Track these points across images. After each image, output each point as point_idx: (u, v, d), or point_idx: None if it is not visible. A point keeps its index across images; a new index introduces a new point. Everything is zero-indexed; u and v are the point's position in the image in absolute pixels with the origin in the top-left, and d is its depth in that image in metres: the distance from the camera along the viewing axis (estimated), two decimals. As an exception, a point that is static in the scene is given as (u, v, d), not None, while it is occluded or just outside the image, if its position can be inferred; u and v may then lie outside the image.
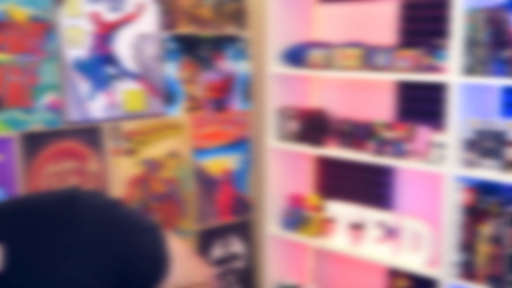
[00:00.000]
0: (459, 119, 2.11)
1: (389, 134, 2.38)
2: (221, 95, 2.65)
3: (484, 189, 2.12)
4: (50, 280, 0.87)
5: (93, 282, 0.89)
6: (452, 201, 2.15)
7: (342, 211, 2.60)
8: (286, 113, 2.69)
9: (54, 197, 0.91)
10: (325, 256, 2.86)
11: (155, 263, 0.97)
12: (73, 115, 2.14)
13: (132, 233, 0.94)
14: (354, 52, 2.45)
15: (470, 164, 2.12)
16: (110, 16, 2.22)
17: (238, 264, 2.81)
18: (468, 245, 2.15)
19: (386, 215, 2.50)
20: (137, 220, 0.97)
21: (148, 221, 1.00)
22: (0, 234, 0.85)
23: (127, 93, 2.30)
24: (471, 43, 2.05)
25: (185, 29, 2.50)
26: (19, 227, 0.87)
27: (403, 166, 2.36)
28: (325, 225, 2.65)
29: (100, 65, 2.21)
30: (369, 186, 2.67)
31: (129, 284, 0.94)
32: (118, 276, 0.92)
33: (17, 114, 1.98)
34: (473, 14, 2.04)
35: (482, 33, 2.02)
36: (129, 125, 2.32)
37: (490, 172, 2.06)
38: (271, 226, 2.77)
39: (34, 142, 2.03)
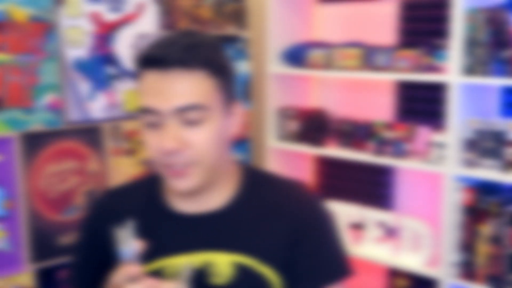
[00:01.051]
0: (459, 119, 2.11)
1: (389, 134, 2.38)
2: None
3: (484, 189, 2.12)
4: (259, 226, 1.09)
5: (278, 254, 1.07)
6: (452, 201, 2.15)
7: (342, 211, 2.60)
8: (286, 113, 2.69)
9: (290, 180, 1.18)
10: (325, 256, 2.85)
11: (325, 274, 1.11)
12: (73, 115, 2.14)
13: (325, 241, 1.12)
14: (354, 52, 2.45)
15: (470, 164, 2.12)
16: (110, 16, 2.22)
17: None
18: (468, 245, 2.15)
19: (386, 215, 2.50)
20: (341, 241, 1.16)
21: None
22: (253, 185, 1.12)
23: (127, 93, 2.30)
24: (471, 43, 2.05)
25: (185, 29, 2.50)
26: (263, 188, 1.13)
27: (403, 166, 2.36)
28: (325, 225, 2.65)
29: (100, 65, 2.21)
30: (369, 186, 2.67)
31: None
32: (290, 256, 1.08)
33: (17, 114, 1.98)
34: (473, 14, 2.04)
35: (482, 33, 2.02)
36: (129, 125, 2.32)
37: (490, 172, 2.06)
38: (271, 226, 2.77)
39: (34, 142, 2.03)
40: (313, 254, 1.09)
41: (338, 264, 1.12)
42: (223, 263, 1.05)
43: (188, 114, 0.96)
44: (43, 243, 2.06)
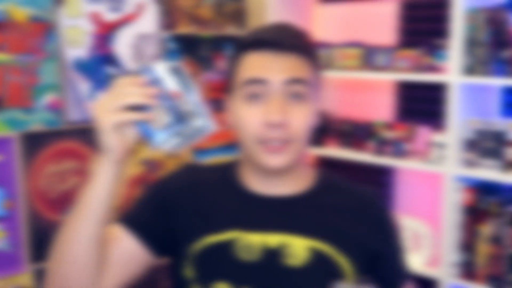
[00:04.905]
0: (459, 119, 2.11)
1: (389, 134, 2.38)
2: (221, 95, 2.65)
3: (484, 189, 2.12)
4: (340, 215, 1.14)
5: (355, 245, 1.12)
6: (452, 201, 2.15)
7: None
8: (286, 113, 2.68)
9: (360, 186, 1.23)
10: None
11: (400, 276, 1.22)
12: (73, 115, 2.14)
13: (396, 241, 1.21)
14: (354, 52, 2.45)
15: (470, 164, 2.12)
16: (110, 16, 2.22)
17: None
18: (468, 245, 2.15)
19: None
20: (400, 237, 1.24)
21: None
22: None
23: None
24: (471, 43, 2.05)
25: (185, 29, 2.50)
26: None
27: (403, 166, 2.36)
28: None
29: (100, 65, 2.21)
30: (369, 186, 2.67)
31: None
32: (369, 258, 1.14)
33: (17, 114, 1.98)
34: (473, 14, 2.04)
35: (482, 33, 2.02)
36: (129, 125, 2.32)
37: (490, 172, 2.06)
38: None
39: (34, 142, 2.03)
40: (389, 258, 1.19)
41: (405, 271, 1.23)
42: (299, 246, 1.08)
43: (294, 87, 1.04)
44: (43, 243, 2.06)
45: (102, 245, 1.01)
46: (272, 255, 1.08)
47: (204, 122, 0.96)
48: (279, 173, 1.10)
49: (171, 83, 0.94)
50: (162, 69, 0.94)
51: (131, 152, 0.99)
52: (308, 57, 1.08)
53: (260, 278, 1.07)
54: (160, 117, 0.94)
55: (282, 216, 1.11)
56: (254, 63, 1.06)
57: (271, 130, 1.03)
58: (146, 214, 1.13)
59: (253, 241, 1.08)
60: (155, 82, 0.93)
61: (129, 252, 1.08)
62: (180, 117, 0.94)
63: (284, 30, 1.10)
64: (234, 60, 1.11)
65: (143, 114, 0.92)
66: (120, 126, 0.93)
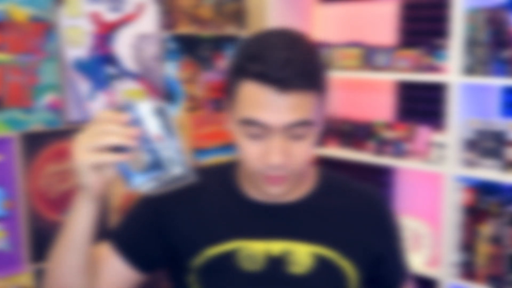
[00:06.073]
0: (459, 119, 2.11)
1: (389, 134, 2.38)
2: (221, 95, 2.65)
3: (484, 189, 2.12)
4: (340, 222, 1.12)
5: (358, 249, 1.12)
6: (452, 201, 2.15)
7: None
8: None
9: (364, 185, 1.21)
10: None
11: (400, 275, 1.23)
12: (73, 115, 2.14)
13: (398, 241, 1.21)
14: (354, 52, 2.45)
15: (470, 164, 2.12)
16: (110, 16, 2.22)
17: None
18: (468, 245, 2.15)
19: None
20: (402, 238, 1.24)
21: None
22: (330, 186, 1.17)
23: (127, 93, 2.30)
24: (471, 43, 2.05)
25: (185, 29, 2.50)
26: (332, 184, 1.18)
27: (403, 166, 2.36)
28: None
29: (100, 65, 2.21)
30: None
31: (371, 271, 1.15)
32: (370, 262, 1.13)
33: (17, 114, 1.98)
34: (473, 14, 2.04)
35: (482, 33, 2.02)
36: (129, 125, 2.32)
37: (490, 172, 2.06)
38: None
39: (34, 142, 2.03)
40: (391, 258, 1.19)
41: (406, 270, 1.24)
42: (302, 252, 1.07)
43: (297, 130, 0.97)
44: (43, 243, 2.06)
45: (89, 269, 1.02)
46: (276, 263, 1.06)
47: (183, 172, 0.90)
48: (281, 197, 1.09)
49: (152, 126, 0.89)
50: (146, 109, 0.90)
51: (110, 186, 0.96)
52: (314, 89, 0.97)
53: None
54: (139, 159, 0.90)
55: (284, 222, 1.09)
56: (254, 99, 0.95)
57: (271, 170, 0.99)
58: (135, 233, 1.11)
59: (256, 250, 1.07)
60: (137, 121, 0.89)
61: (117, 272, 1.09)
62: (159, 163, 0.89)
63: (290, 60, 0.94)
64: (234, 77, 0.99)
65: (122, 156, 0.88)
66: (98, 166, 0.90)
